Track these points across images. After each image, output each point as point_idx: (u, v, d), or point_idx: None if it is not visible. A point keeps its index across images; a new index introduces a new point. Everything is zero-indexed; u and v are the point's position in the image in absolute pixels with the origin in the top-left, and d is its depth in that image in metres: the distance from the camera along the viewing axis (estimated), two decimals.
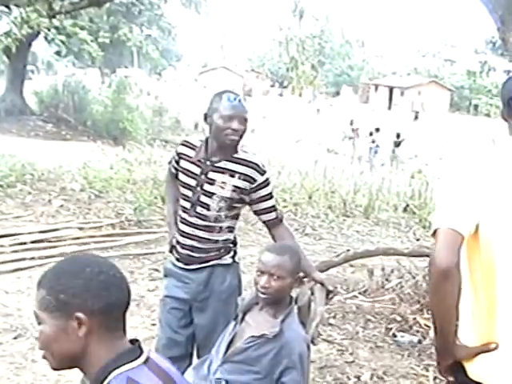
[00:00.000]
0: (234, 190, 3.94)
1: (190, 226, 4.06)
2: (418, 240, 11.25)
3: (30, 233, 9.11)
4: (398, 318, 6.84)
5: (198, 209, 4.00)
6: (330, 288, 3.91)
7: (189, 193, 4.03)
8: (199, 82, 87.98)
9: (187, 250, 4.09)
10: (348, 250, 8.17)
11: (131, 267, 8.25)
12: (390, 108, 79.08)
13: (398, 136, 33.31)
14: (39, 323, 1.90)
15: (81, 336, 1.85)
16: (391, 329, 6.61)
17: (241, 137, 3.93)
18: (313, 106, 66.78)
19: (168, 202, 4.59)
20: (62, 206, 11.20)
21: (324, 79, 59.70)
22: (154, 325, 6.07)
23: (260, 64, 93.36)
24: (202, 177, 3.97)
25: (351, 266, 8.62)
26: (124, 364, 1.89)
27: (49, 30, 25.93)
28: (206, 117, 4.00)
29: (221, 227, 4.05)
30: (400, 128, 38.37)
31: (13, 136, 22.06)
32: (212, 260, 4.08)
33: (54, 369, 1.96)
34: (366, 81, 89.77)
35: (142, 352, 1.97)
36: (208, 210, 3.99)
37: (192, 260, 4.07)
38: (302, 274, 3.66)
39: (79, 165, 13.86)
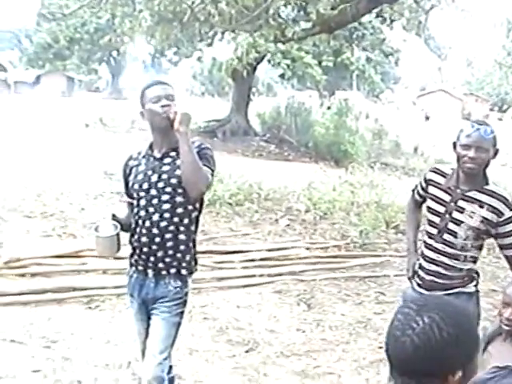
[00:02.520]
0: (481, 221, 3.91)
1: (435, 252, 4.05)
2: None
3: (258, 250, 9.40)
4: None
5: (445, 236, 3.99)
6: None
7: (436, 219, 4.03)
8: (417, 105, 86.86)
9: (431, 275, 4.08)
10: None
11: (357, 289, 8.28)
12: None
13: None
14: None
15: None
16: None
17: (481, 166, 3.88)
18: None
19: (409, 229, 4.60)
20: (288, 225, 11.48)
21: None
22: (380, 348, 6.06)
23: (479, 87, 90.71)
24: (452, 204, 3.96)
25: None
26: None
27: (275, 54, 26.79)
28: (454, 145, 4.00)
29: (465, 256, 4.02)
30: None
31: (238, 156, 22.89)
32: (456, 287, 4.04)
33: None
34: None
35: None
36: (455, 237, 3.97)
37: (435, 286, 4.05)
38: None
39: (303, 186, 14.11)
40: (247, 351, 6.06)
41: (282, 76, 32.79)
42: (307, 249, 9.84)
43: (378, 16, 24.78)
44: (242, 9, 14.61)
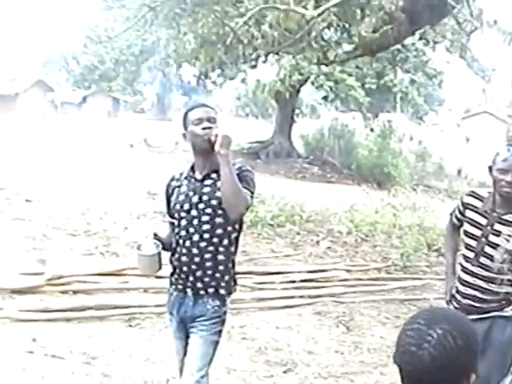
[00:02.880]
0: None
1: (472, 276, 4.07)
2: None
3: (299, 272, 9.41)
4: None
5: (482, 259, 4.01)
6: None
7: (473, 243, 4.05)
8: (462, 128, 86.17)
9: (468, 299, 4.09)
10: None
11: (397, 312, 8.25)
12: None
13: None
14: None
15: None
16: None
17: None
18: None
19: (447, 252, 4.61)
20: (329, 247, 11.49)
21: None
22: None
23: None
24: (488, 228, 3.98)
25: None
26: None
27: (318, 76, 26.89)
28: (490, 169, 4.02)
29: (502, 279, 4.03)
30: None
31: (281, 177, 22.98)
32: (493, 311, 4.04)
33: None
34: None
35: None
36: (491, 261, 3.98)
37: (472, 310, 4.05)
38: None
39: (345, 207, 14.12)
40: (285, 372, 6.08)
41: (325, 98, 32.91)
42: (348, 271, 9.83)
43: (421, 38, 24.75)
44: (285, 32, 14.72)
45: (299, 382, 5.87)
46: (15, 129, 30.99)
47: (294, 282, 8.95)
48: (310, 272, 9.49)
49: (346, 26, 18.83)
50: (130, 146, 28.61)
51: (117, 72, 66.43)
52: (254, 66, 26.84)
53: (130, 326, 6.87)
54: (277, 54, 21.44)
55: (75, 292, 7.76)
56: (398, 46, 27.48)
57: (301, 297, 8.37)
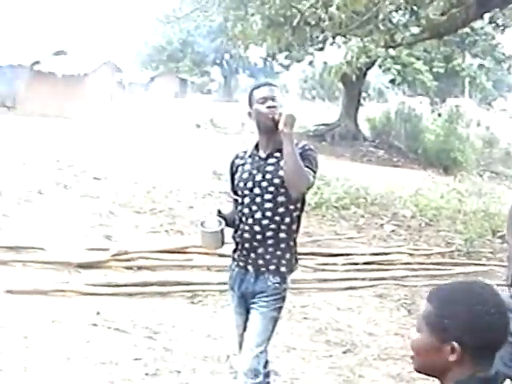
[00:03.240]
0: None
1: None
2: None
3: (362, 254, 9.43)
4: None
5: None
6: None
7: None
8: None
9: None
10: None
11: None
12: None
13: None
14: (418, 329, 2.04)
15: (449, 361, 1.95)
16: None
17: None
18: None
19: (509, 237, 4.54)
20: (393, 231, 11.45)
21: None
22: None
23: None
24: None
25: None
26: None
27: (385, 59, 26.62)
28: None
29: None
30: None
31: (346, 160, 22.90)
32: None
33: (415, 370, 2.08)
34: None
35: None
36: None
37: None
38: None
39: (410, 192, 14.03)
40: (344, 352, 6.10)
41: (392, 81, 32.54)
42: (410, 255, 9.79)
43: (490, 22, 24.25)
44: (352, 14, 14.60)
45: (358, 362, 5.88)
46: (84, 107, 31.52)
47: (356, 264, 8.96)
48: (373, 255, 9.49)
49: (414, 8, 18.58)
50: (197, 127, 28.83)
51: (184, 53, 66.79)
52: (321, 49, 26.71)
53: (193, 302, 6.97)
54: (344, 36, 21.26)
55: (139, 268, 7.92)
56: (467, 30, 27.03)
57: (363, 279, 8.38)
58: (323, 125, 29.54)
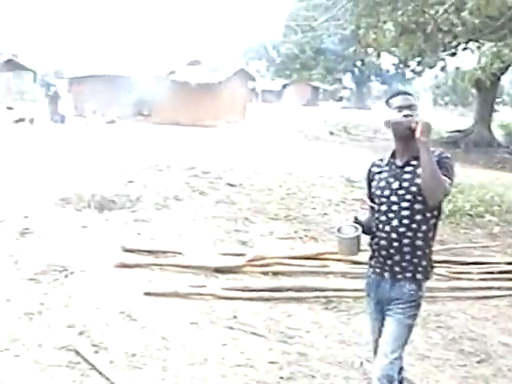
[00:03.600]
0: None
1: None
2: None
3: (497, 263, 9.22)
4: None
5: None
6: None
7: None
8: None
9: None
10: None
11: None
12: None
13: None
14: None
15: None
16: None
17: None
18: None
19: None
20: None
21: None
22: None
23: None
24: None
25: None
26: None
27: None
28: None
29: None
30: None
31: (480, 167, 22.40)
32: None
33: None
34: None
35: None
36: None
37: None
38: None
39: None
40: (479, 362, 6.03)
41: None
42: None
43: None
44: (486, 19, 14.34)
45: (493, 373, 5.81)
46: (217, 115, 32.20)
47: (491, 273, 8.77)
48: (509, 264, 9.26)
49: None
50: (330, 134, 28.92)
51: (317, 61, 66.95)
52: (454, 54, 26.27)
53: (327, 308, 7.05)
54: (477, 41, 20.88)
55: (275, 273, 8.06)
56: None
57: (498, 288, 8.20)
58: (457, 131, 29.05)
